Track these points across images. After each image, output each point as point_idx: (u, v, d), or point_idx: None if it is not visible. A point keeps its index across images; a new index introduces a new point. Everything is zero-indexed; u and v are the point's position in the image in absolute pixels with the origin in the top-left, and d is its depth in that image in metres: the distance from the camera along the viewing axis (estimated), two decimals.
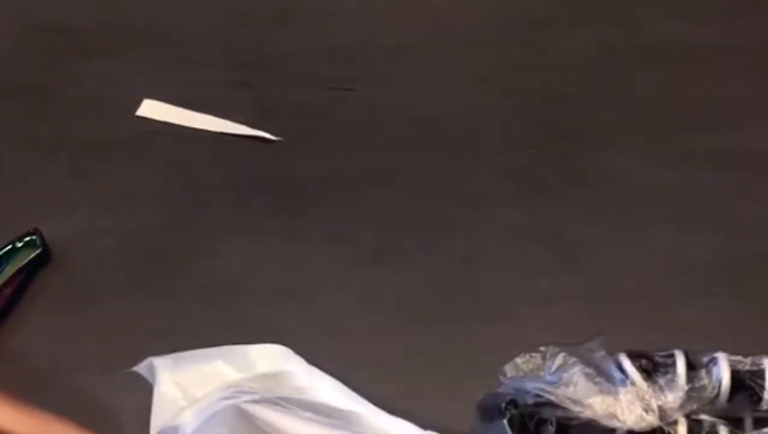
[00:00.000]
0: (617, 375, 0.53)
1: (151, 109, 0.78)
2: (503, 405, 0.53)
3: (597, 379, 0.52)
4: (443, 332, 0.64)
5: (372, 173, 0.73)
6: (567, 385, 0.52)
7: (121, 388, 0.62)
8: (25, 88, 0.81)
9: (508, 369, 0.55)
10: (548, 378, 0.53)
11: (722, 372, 0.52)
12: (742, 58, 0.80)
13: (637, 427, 0.51)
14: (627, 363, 0.53)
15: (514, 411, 0.53)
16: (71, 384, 0.63)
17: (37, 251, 0.67)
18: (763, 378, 0.53)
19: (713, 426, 0.51)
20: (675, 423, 0.51)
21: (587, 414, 0.52)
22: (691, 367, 0.53)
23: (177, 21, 0.85)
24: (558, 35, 0.83)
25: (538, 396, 0.53)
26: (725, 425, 0.51)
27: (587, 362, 0.53)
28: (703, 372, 0.52)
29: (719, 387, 0.52)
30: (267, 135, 0.75)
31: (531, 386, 0.53)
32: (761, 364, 0.53)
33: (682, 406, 0.51)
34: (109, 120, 0.78)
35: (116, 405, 0.61)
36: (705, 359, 0.53)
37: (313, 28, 0.85)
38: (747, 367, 0.53)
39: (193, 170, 0.74)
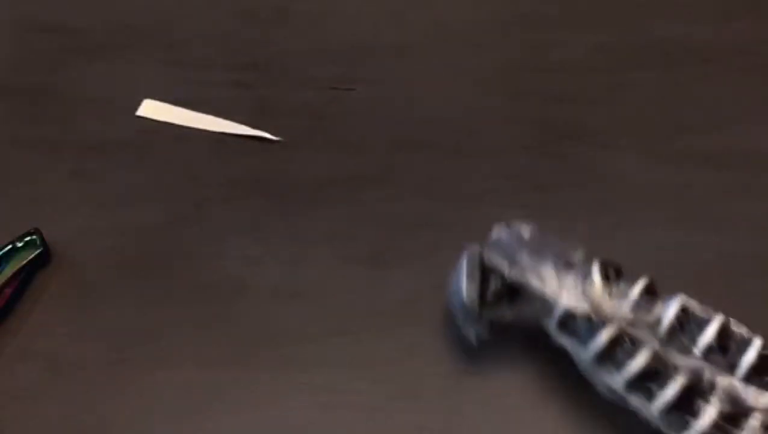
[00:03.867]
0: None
1: (151, 109, 0.78)
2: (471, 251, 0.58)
3: (559, 262, 0.56)
4: (442, 331, 0.64)
5: (372, 173, 0.73)
6: (532, 255, 0.57)
7: (122, 388, 0.62)
8: (25, 88, 0.81)
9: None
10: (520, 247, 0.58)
11: (672, 306, 0.54)
12: (742, 58, 0.80)
13: (570, 307, 0.55)
14: (596, 266, 0.57)
15: (475, 251, 0.58)
16: (71, 384, 0.63)
17: (37, 251, 0.67)
18: (706, 326, 0.53)
19: (641, 344, 0.53)
20: (607, 322, 0.53)
21: (535, 283, 0.56)
22: (650, 292, 0.56)
23: (177, 21, 0.85)
24: (558, 35, 0.83)
25: (505, 255, 0.58)
26: (652, 348, 0.53)
27: (560, 253, 0.57)
28: (658, 300, 0.55)
29: (662, 318, 0.54)
30: (267, 135, 0.76)
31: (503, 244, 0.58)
32: (712, 317, 0.54)
33: (621, 314, 0.54)
34: (109, 120, 0.78)
35: (117, 406, 0.61)
36: (668, 295, 0.56)
37: (313, 28, 0.85)
38: (699, 313, 0.54)
39: (193, 170, 0.74)
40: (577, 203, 0.71)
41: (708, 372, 0.51)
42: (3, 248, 0.67)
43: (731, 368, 0.51)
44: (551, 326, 0.56)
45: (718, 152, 0.74)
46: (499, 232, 0.60)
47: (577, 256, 0.58)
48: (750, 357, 0.52)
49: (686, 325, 0.53)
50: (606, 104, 0.78)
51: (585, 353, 0.54)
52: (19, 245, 0.67)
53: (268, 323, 0.65)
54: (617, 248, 0.68)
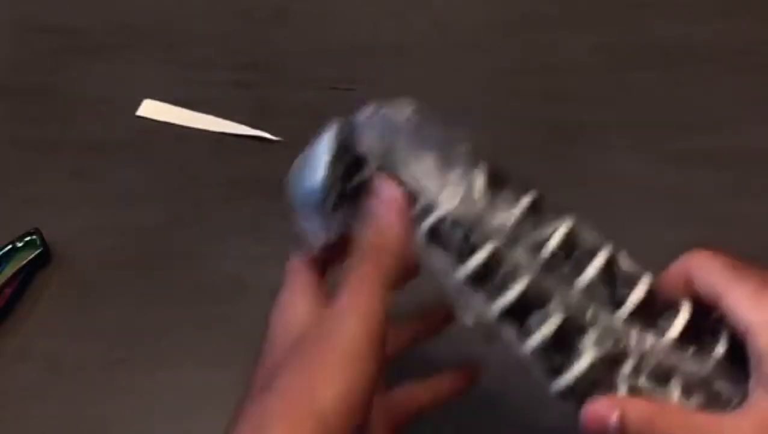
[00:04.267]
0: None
1: (151, 109, 0.78)
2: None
3: (441, 156, 0.47)
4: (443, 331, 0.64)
5: None
6: (410, 143, 0.47)
7: (121, 388, 0.62)
8: (25, 88, 0.81)
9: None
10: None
11: (561, 228, 0.46)
12: (742, 58, 0.80)
13: (448, 213, 0.45)
14: (481, 168, 0.47)
15: (340, 129, 0.48)
16: (71, 384, 0.63)
17: (37, 251, 0.67)
18: (592, 257, 0.45)
19: (520, 268, 0.44)
20: (486, 237, 0.45)
21: (409, 179, 0.46)
22: (537, 209, 0.47)
23: (177, 21, 0.85)
24: (558, 35, 0.83)
25: (376, 139, 0.48)
26: (533, 274, 0.44)
27: (443, 144, 0.48)
28: (546, 220, 0.46)
29: (547, 241, 0.45)
30: (267, 135, 0.75)
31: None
32: (601, 246, 0.46)
33: (502, 230, 0.45)
34: (109, 120, 0.78)
35: (116, 406, 0.61)
36: (555, 215, 0.48)
37: (313, 28, 0.85)
38: (587, 240, 0.46)
39: (193, 170, 0.74)
40: (576, 203, 0.71)
41: (591, 310, 0.44)
42: (3, 248, 0.67)
43: (617, 305, 0.44)
44: (418, 233, 0.45)
45: (718, 152, 0.74)
46: (372, 111, 0.49)
47: (462, 151, 0.47)
48: (637, 294, 0.44)
49: (572, 253, 0.45)
50: (606, 104, 0.78)
51: (455, 271, 0.45)
52: (19, 245, 0.67)
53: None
54: (617, 248, 0.68)
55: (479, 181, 0.46)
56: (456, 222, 0.45)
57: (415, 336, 0.53)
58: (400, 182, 0.46)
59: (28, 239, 0.67)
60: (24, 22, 0.86)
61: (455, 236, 0.45)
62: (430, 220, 0.45)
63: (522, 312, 0.44)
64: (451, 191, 0.45)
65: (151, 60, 0.82)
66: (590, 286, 0.44)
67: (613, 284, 0.45)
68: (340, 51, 0.82)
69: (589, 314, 0.44)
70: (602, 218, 0.70)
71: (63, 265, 0.68)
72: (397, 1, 0.87)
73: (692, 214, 0.70)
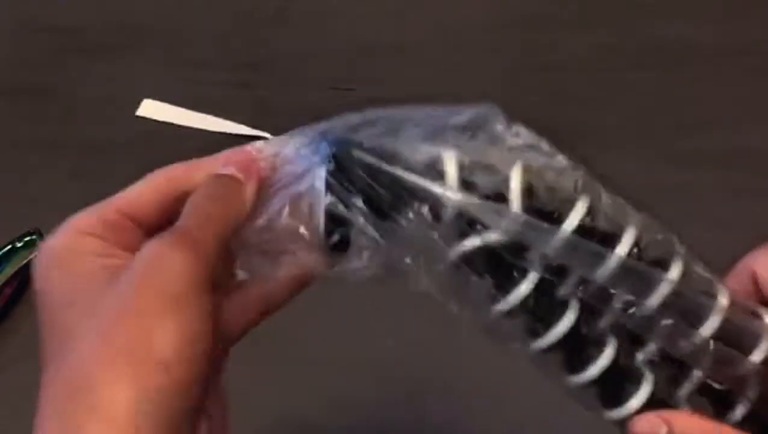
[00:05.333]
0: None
1: (151, 109, 0.78)
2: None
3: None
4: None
5: None
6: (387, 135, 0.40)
7: None
8: (25, 88, 0.81)
9: None
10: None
11: (514, 178, 0.39)
12: (742, 58, 0.80)
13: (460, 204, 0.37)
14: (450, 155, 0.39)
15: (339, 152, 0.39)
16: None
17: (37, 251, 0.67)
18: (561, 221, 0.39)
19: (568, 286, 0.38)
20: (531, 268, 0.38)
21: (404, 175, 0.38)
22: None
23: (177, 21, 0.85)
24: (558, 35, 0.83)
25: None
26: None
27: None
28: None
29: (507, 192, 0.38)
30: (267, 135, 0.75)
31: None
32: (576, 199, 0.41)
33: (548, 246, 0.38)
34: (109, 120, 0.78)
35: None
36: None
37: (313, 28, 0.85)
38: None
39: None
40: None
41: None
42: (3, 248, 0.67)
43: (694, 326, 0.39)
44: (441, 255, 0.38)
45: (718, 152, 0.74)
46: (334, 120, 0.41)
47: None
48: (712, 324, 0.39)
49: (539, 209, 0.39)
50: (606, 104, 0.78)
51: (495, 303, 0.38)
52: (19, 245, 0.67)
53: (268, 322, 0.64)
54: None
55: (450, 167, 0.38)
56: (505, 245, 0.37)
57: (265, 307, 0.43)
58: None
59: (28, 239, 0.67)
60: (24, 22, 0.86)
61: (498, 261, 0.38)
62: (472, 243, 0.37)
63: (573, 343, 0.38)
64: (490, 208, 0.38)
65: (151, 60, 0.82)
66: (653, 313, 0.38)
67: (684, 308, 0.39)
68: (340, 51, 0.82)
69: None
70: None
71: None
72: (397, 1, 0.87)
73: (692, 214, 0.70)
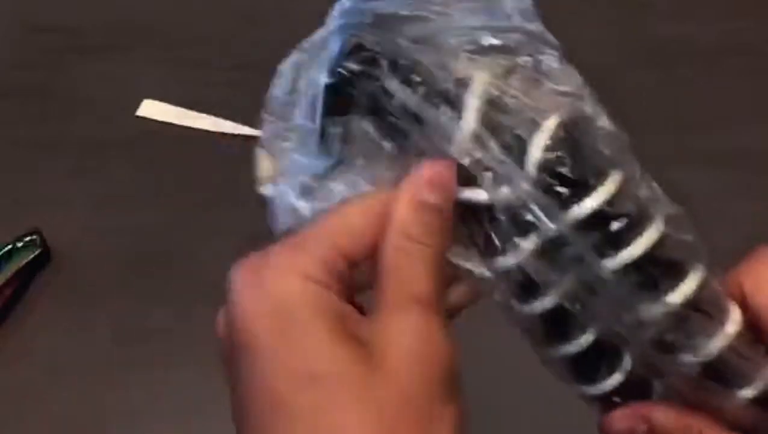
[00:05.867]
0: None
1: (151, 109, 0.78)
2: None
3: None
4: None
5: None
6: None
7: (121, 388, 0.62)
8: (25, 88, 0.81)
9: None
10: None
11: (544, 132, 0.35)
12: (742, 58, 0.80)
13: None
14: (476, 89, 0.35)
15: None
16: (71, 384, 0.63)
17: (37, 252, 0.67)
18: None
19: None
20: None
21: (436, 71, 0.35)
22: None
23: (177, 21, 0.85)
24: (557, 35, 0.83)
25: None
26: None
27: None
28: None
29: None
30: None
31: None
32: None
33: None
34: (109, 120, 0.78)
35: (116, 405, 0.61)
36: None
37: (313, 29, 0.85)
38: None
39: (193, 170, 0.74)
40: None
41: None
42: (3, 248, 0.67)
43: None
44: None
45: (718, 152, 0.74)
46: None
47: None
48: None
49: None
50: (606, 104, 0.77)
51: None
52: (19, 245, 0.67)
53: None
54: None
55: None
56: (508, 207, 0.33)
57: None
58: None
59: (28, 239, 0.67)
60: (24, 22, 0.86)
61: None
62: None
63: (559, 316, 0.36)
64: (501, 163, 0.33)
65: (151, 60, 0.82)
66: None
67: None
68: None
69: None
70: None
71: (63, 265, 0.68)
72: None
73: (691, 214, 0.70)
